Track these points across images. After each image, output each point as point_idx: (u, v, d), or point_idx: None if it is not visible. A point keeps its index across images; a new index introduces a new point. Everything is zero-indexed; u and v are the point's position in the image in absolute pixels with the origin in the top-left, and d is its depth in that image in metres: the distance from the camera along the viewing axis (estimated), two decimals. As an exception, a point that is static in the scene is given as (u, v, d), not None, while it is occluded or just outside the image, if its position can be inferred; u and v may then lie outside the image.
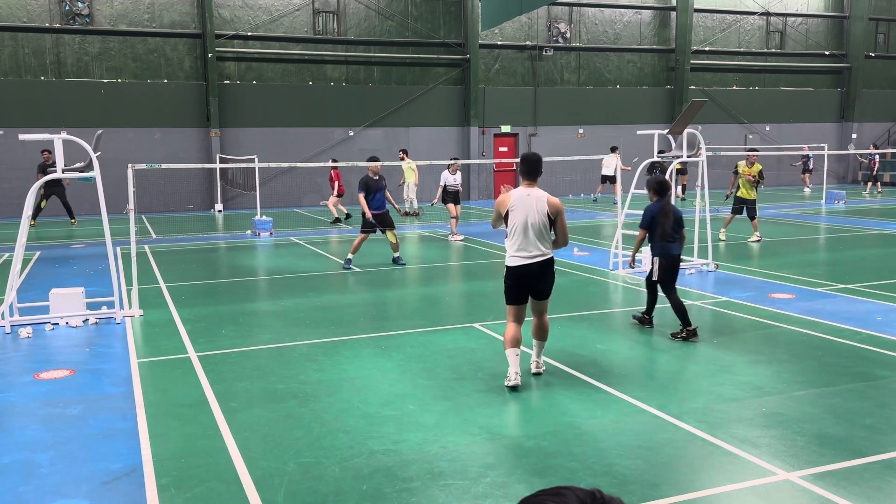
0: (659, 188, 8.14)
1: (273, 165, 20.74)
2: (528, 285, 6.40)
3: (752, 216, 15.15)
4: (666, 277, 8.08)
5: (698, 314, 9.34)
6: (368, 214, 12.52)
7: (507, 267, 6.40)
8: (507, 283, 6.44)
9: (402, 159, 21.11)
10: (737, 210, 15.28)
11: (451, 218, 16.56)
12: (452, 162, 17.18)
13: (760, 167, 15.19)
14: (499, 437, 5.36)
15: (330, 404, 6.09)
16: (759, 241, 15.15)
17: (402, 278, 12.16)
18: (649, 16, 29.50)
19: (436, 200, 18.11)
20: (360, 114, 25.92)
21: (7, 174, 22.43)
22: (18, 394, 6.56)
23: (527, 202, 6.28)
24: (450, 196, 16.84)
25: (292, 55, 25.15)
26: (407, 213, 21.74)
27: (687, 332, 7.81)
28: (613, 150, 23.72)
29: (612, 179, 25.31)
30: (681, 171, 24.15)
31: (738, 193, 15.11)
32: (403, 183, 22.04)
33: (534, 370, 6.73)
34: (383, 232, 12.82)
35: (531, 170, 6.37)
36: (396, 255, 13.09)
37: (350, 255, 12.83)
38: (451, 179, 16.88)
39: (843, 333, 8.01)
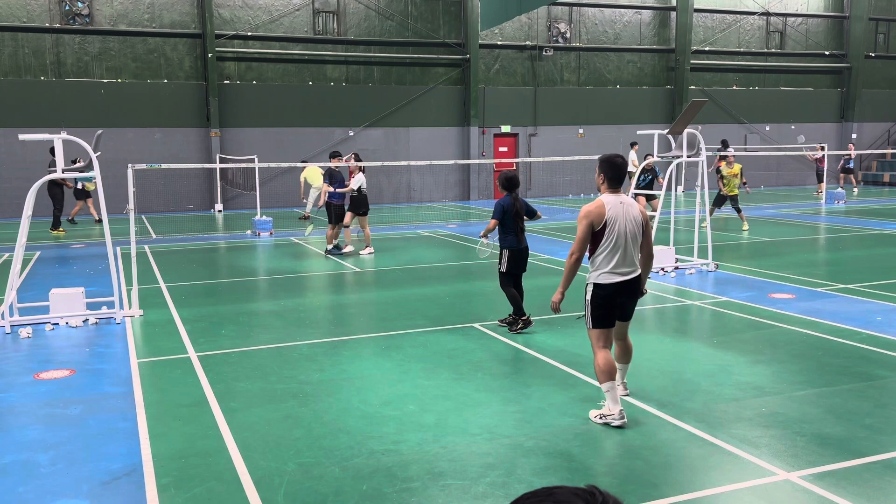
0: (508, 183, 8.44)
1: (273, 165, 20.73)
2: (621, 304, 5.67)
3: (737, 209, 17.30)
4: (514, 269, 8.41)
5: (698, 314, 9.35)
6: (321, 202, 14.31)
7: (598, 285, 5.58)
8: (595, 304, 5.61)
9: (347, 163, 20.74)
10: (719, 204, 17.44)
11: (345, 227, 14.09)
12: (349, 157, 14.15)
13: (740, 166, 17.31)
14: (499, 437, 5.36)
15: (330, 404, 6.09)
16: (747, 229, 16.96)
17: (402, 278, 12.16)
18: (649, 16, 29.49)
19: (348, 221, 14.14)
20: (360, 114, 25.92)
21: (7, 174, 22.42)
22: (18, 394, 6.57)
23: (622, 211, 5.54)
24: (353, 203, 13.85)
25: (292, 55, 25.14)
26: (307, 217, 20.58)
27: (519, 321, 8.26)
28: (633, 145, 23.37)
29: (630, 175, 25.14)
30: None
31: (724, 192, 17.17)
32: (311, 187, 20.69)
33: (622, 393, 6.00)
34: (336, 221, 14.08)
35: (620, 175, 5.64)
36: (329, 246, 14.25)
37: (333, 243, 14.20)
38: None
39: (843, 333, 8.01)
